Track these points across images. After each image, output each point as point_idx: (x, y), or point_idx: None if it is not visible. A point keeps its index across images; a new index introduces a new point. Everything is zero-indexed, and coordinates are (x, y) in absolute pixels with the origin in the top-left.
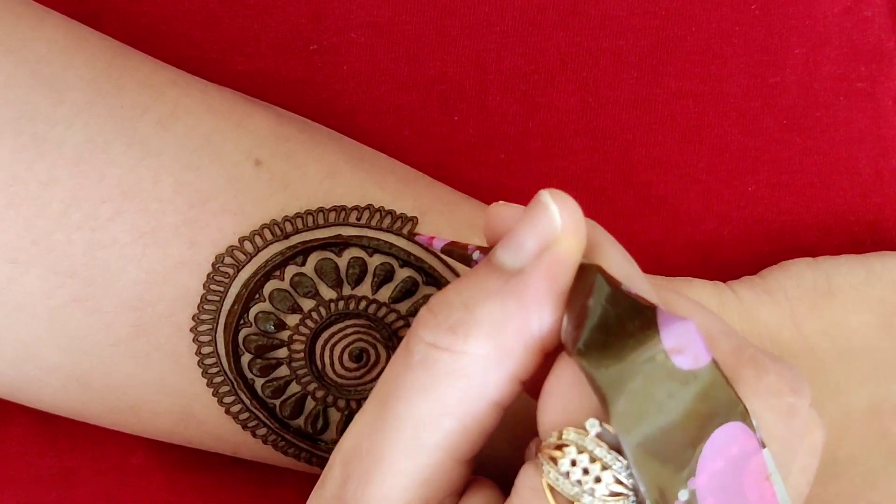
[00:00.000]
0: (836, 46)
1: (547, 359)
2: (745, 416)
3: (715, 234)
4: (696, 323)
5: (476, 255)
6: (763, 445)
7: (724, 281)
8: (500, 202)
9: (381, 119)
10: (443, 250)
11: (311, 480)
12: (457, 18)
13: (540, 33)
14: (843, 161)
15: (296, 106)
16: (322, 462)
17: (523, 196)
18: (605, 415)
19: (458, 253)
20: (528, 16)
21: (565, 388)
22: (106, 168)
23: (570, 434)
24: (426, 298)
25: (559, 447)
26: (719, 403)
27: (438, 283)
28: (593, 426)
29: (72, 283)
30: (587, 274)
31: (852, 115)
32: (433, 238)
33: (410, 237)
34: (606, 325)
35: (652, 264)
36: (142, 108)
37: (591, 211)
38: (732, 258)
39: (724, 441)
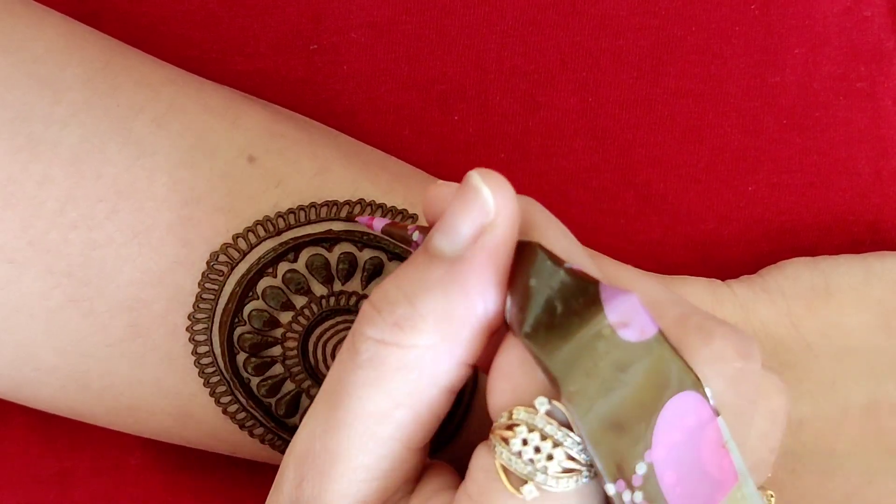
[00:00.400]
0: (836, 46)
1: (494, 336)
2: (697, 385)
3: (714, 234)
4: (641, 294)
5: (416, 235)
6: (717, 413)
7: (723, 279)
8: (440, 182)
9: (382, 119)
10: (383, 231)
11: None
12: (457, 18)
13: (540, 33)
14: (843, 161)
15: (295, 106)
16: None
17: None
18: (556, 395)
19: (398, 234)
20: (527, 15)
21: (513, 368)
22: (101, 167)
23: (520, 413)
24: None
25: (510, 427)
26: (670, 374)
27: None
28: (542, 404)
29: (68, 283)
30: (528, 252)
31: (852, 115)
32: (373, 218)
33: (350, 219)
34: (551, 306)
35: (651, 263)
36: (137, 107)
37: (590, 210)
38: (732, 258)
39: (679, 412)
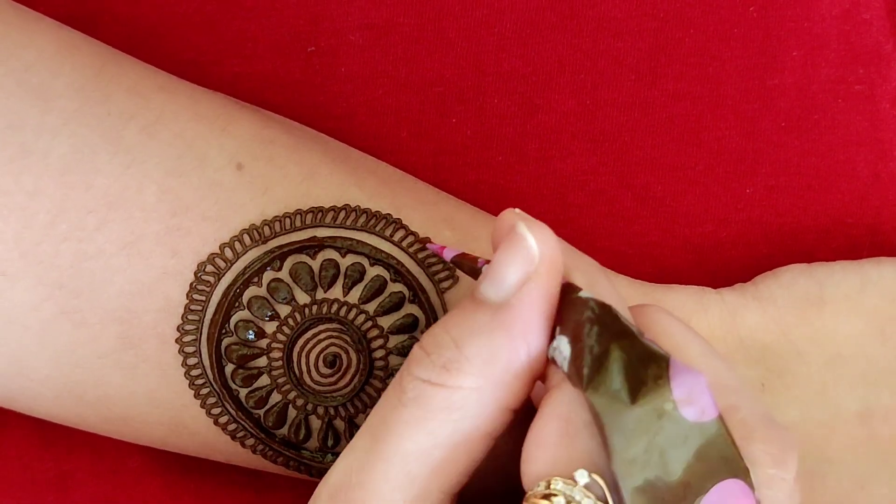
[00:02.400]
0: (834, 49)
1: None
2: (745, 475)
3: (713, 236)
4: (705, 373)
5: (485, 268)
6: (759, 503)
7: (721, 282)
8: (511, 212)
9: (379, 121)
10: (452, 261)
11: (306, 484)
12: (455, 20)
13: (538, 35)
14: (841, 163)
15: (294, 108)
16: (309, 471)
17: (520, 199)
18: (597, 467)
19: (468, 265)
20: (525, 18)
21: (553, 437)
22: (92, 178)
23: (557, 484)
24: (393, 296)
25: (546, 496)
26: (721, 459)
27: (405, 278)
28: (582, 477)
29: (60, 294)
30: (598, 311)
31: (850, 118)
32: (444, 248)
33: (422, 243)
34: (618, 369)
35: (649, 266)
36: (128, 116)
37: (588, 212)
38: (730, 260)
39: (723, 497)
